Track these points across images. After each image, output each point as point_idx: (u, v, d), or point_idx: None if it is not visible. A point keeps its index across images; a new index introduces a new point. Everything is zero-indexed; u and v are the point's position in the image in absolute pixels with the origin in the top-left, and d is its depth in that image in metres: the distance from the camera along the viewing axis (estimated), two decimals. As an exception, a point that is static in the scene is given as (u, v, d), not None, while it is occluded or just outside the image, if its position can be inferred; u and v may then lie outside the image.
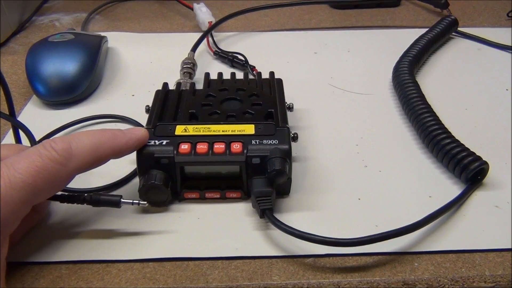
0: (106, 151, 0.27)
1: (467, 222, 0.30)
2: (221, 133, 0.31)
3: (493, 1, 0.61)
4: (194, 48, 0.46)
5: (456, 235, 0.29)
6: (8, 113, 0.32)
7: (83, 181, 0.31)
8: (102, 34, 0.48)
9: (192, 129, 0.31)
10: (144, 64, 0.47)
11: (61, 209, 0.30)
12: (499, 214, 0.30)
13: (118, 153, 0.28)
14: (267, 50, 0.50)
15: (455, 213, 0.30)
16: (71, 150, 0.25)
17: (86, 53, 0.42)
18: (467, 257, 0.28)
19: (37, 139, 0.34)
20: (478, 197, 0.31)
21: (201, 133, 0.31)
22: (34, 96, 0.41)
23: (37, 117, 0.40)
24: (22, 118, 0.40)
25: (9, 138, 0.37)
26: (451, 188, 0.32)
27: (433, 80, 0.44)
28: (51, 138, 0.26)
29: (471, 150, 0.32)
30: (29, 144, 0.31)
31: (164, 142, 0.30)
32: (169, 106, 0.34)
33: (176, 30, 0.55)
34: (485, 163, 0.31)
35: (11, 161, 0.24)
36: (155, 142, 0.30)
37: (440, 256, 0.28)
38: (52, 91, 0.40)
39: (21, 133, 0.32)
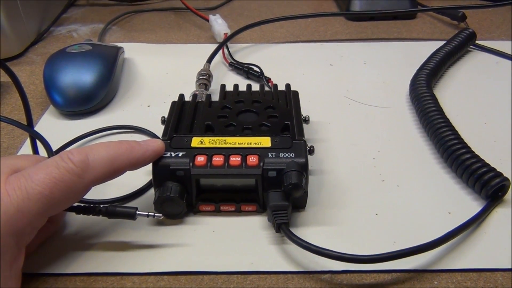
0: (123, 163, 0.27)
1: (488, 240, 0.29)
2: (237, 145, 0.31)
3: (511, 13, 0.60)
4: (209, 60, 0.46)
5: (477, 253, 0.28)
6: (26, 123, 0.32)
7: (98, 192, 0.31)
8: (119, 45, 0.49)
9: (208, 141, 0.31)
10: (160, 75, 0.48)
11: (76, 220, 0.30)
12: (521, 232, 0.29)
13: (135, 165, 0.28)
14: (283, 62, 0.50)
15: (476, 230, 0.30)
16: (88, 162, 0.25)
17: (103, 64, 0.42)
18: (489, 276, 0.27)
19: (53, 149, 0.34)
20: (499, 214, 0.31)
21: (217, 145, 0.31)
22: (51, 106, 0.42)
23: (54, 127, 0.40)
24: (39, 128, 0.40)
25: (26, 147, 0.37)
26: (471, 205, 0.31)
27: (451, 94, 0.43)
28: (68, 150, 0.26)
29: (491, 165, 0.32)
30: (46, 155, 0.31)
31: (180, 154, 0.30)
32: (185, 117, 0.34)
33: (191, 41, 0.55)
34: (507, 179, 0.31)
35: (29, 172, 0.24)
36: (171, 154, 0.30)
37: (460, 275, 0.27)
38: (69, 101, 0.40)
39: (38, 143, 0.32)
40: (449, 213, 0.31)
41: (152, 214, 0.28)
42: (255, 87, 0.39)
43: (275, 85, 0.40)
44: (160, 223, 0.30)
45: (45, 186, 0.24)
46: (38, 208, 0.23)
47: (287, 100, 0.36)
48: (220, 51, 0.49)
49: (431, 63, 0.44)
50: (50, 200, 0.24)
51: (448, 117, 0.37)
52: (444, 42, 0.48)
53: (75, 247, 0.28)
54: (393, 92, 0.44)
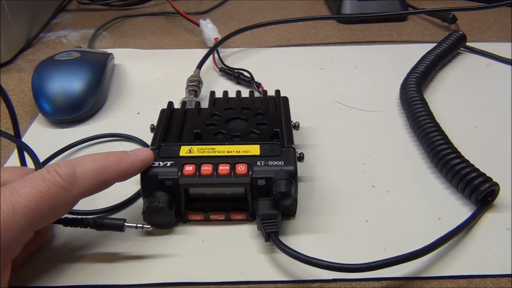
0: (111, 175, 0.26)
1: (478, 246, 0.29)
2: (226, 154, 0.30)
3: (501, 15, 0.60)
4: (199, 65, 0.46)
5: (467, 259, 0.28)
6: (13, 133, 0.32)
7: (87, 202, 0.31)
8: (109, 50, 0.49)
9: (196, 150, 0.31)
10: (150, 81, 0.47)
11: (64, 232, 0.30)
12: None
13: (123, 177, 0.27)
14: (273, 66, 0.50)
15: (466, 236, 0.30)
16: (75, 175, 0.25)
17: (92, 71, 0.42)
18: (478, 283, 0.27)
19: (42, 159, 0.34)
20: (489, 219, 0.31)
21: (206, 154, 0.30)
22: (40, 115, 0.41)
23: (43, 135, 0.40)
24: (27, 136, 0.40)
25: (14, 157, 0.37)
26: (461, 210, 0.31)
27: (441, 97, 0.43)
28: (55, 163, 0.25)
29: (481, 170, 0.32)
30: (33, 166, 0.31)
31: (169, 163, 0.30)
32: (174, 125, 0.34)
33: (182, 46, 0.55)
34: (496, 184, 0.31)
35: (15, 185, 0.24)
36: (159, 164, 0.30)
37: (450, 282, 0.27)
38: (57, 109, 0.40)
39: (26, 154, 0.32)
40: (439, 218, 0.31)
41: (141, 225, 0.28)
42: (245, 92, 0.39)
43: (265, 91, 0.39)
44: (149, 233, 0.30)
45: (31, 200, 0.23)
46: (24, 222, 0.23)
47: (277, 107, 0.36)
48: (211, 56, 0.49)
49: (421, 67, 0.44)
50: (36, 214, 0.24)
51: (438, 121, 0.37)
52: (435, 44, 0.48)
53: (63, 259, 0.28)
54: (384, 96, 0.44)
